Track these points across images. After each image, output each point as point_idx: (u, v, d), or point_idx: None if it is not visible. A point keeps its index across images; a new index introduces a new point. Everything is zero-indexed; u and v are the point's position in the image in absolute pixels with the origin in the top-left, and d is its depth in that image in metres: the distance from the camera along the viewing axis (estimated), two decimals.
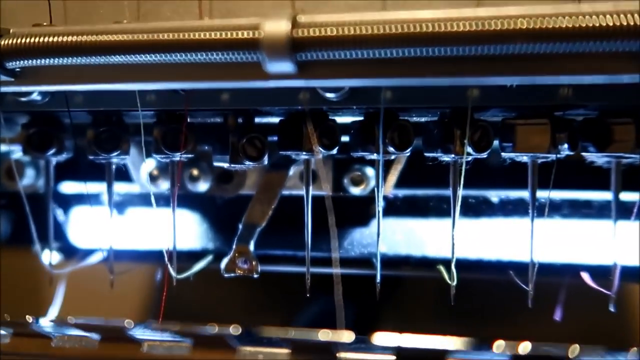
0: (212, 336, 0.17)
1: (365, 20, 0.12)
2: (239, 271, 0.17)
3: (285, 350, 0.16)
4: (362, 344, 0.17)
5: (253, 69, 0.12)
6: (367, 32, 0.11)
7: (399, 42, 0.11)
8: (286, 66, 0.12)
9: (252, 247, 0.18)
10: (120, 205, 0.22)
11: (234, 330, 0.18)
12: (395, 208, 0.21)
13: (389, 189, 0.20)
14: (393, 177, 0.19)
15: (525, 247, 0.17)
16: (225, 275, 0.18)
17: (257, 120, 0.17)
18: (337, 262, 0.16)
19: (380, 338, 0.18)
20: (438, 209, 0.21)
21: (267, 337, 0.17)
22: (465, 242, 0.21)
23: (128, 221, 0.22)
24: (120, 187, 0.22)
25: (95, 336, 0.16)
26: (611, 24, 0.10)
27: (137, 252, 0.21)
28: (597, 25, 0.11)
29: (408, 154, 0.18)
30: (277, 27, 0.11)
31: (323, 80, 0.13)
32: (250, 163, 0.16)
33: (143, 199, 0.22)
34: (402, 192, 0.21)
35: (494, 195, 0.21)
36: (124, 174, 0.21)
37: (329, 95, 0.14)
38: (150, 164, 0.20)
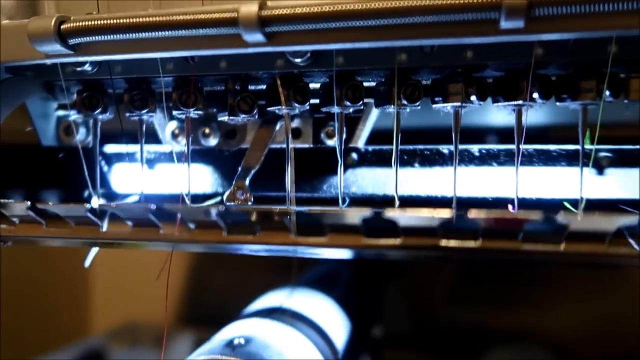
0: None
1: (313, 3, 0.17)
2: (237, 201, 0.23)
3: None
4: None
5: (237, 39, 0.18)
6: (314, 10, 0.17)
7: (337, 17, 0.17)
8: (258, 37, 0.17)
9: (247, 183, 0.23)
10: (151, 161, 0.28)
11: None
12: (366, 159, 0.26)
13: (358, 140, 0.25)
14: (360, 131, 0.24)
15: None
16: (226, 203, 0.23)
17: (251, 87, 0.23)
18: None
19: None
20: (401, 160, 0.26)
21: None
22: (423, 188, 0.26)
23: (157, 173, 0.28)
24: (150, 147, 0.28)
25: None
26: None
27: (163, 196, 0.27)
28: None
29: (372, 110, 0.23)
30: (249, 9, 0.17)
31: (286, 47, 0.18)
32: (244, 116, 0.22)
33: (169, 157, 0.28)
34: (372, 147, 0.26)
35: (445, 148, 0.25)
36: (154, 137, 0.27)
37: (297, 60, 0.20)
38: (172, 125, 0.26)
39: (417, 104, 0.20)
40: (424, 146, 0.25)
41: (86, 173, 0.24)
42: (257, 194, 0.24)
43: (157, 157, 0.28)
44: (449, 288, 0.85)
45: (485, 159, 0.25)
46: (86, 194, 0.25)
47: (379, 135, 0.26)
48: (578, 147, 0.22)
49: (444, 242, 0.17)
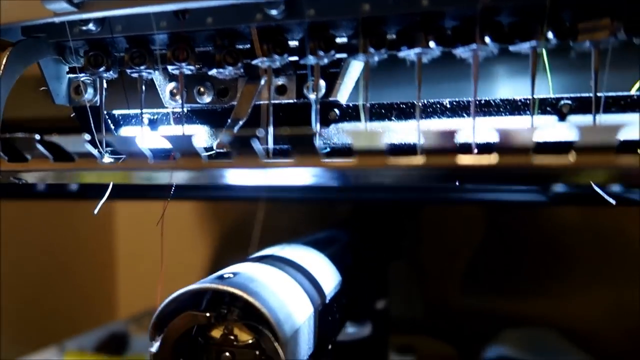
0: None
1: None
2: (226, 147, 0.25)
3: None
4: None
5: None
6: None
7: None
8: None
9: (236, 131, 0.25)
10: (154, 122, 0.31)
11: None
12: (348, 114, 0.28)
13: (337, 94, 0.27)
14: (339, 85, 0.26)
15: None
16: (217, 149, 0.25)
17: (240, 47, 0.25)
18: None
19: None
20: (378, 114, 0.28)
21: None
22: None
23: (159, 133, 0.30)
24: (153, 110, 0.30)
25: None
26: None
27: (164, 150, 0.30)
28: None
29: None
30: None
31: None
32: (231, 68, 0.24)
33: (170, 118, 0.31)
34: (353, 103, 0.28)
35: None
36: (158, 103, 0.30)
37: (273, 12, 0.22)
38: (171, 85, 0.29)
39: (383, 51, 0.22)
40: (400, 100, 0.27)
41: (93, 130, 0.27)
42: None
43: (159, 119, 0.31)
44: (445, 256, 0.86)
45: (456, 110, 0.26)
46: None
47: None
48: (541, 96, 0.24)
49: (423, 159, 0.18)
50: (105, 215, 1.01)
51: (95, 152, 0.20)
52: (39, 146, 0.20)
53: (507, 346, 0.78)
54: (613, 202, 0.22)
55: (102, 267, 1.03)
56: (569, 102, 0.25)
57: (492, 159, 0.17)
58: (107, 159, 0.22)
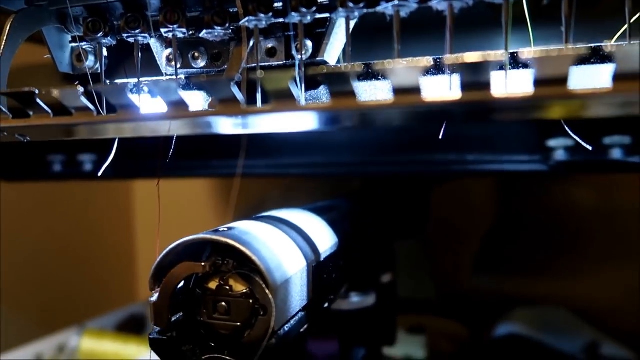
0: None
1: None
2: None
3: None
4: None
5: None
6: None
7: None
8: None
9: None
10: (153, 92, 0.32)
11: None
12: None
13: (324, 54, 0.28)
14: (325, 45, 0.27)
15: None
16: (208, 108, 0.27)
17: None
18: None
19: None
20: (365, 74, 0.28)
21: None
22: None
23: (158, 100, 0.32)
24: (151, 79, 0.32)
25: None
26: None
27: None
28: None
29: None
30: None
31: None
32: (219, 29, 0.25)
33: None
34: (341, 64, 0.29)
35: None
36: (157, 71, 0.31)
37: None
38: (167, 52, 0.30)
39: (362, 5, 0.23)
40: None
41: (94, 95, 0.28)
42: None
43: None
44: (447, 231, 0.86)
45: (439, 67, 0.27)
46: None
47: None
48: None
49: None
50: (124, 198, 1.03)
51: (91, 106, 0.22)
52: (39, 100, 0.22)
53: (518, 324, 0.78)
54: (589, 147, 0.23)
55: (122, 250, 1.05)
56: None
57: (454, 95, 0.18)
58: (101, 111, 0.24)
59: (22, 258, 0.82)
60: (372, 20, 0.25)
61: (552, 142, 0.47)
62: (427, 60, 0.17)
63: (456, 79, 0.20)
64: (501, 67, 0.19)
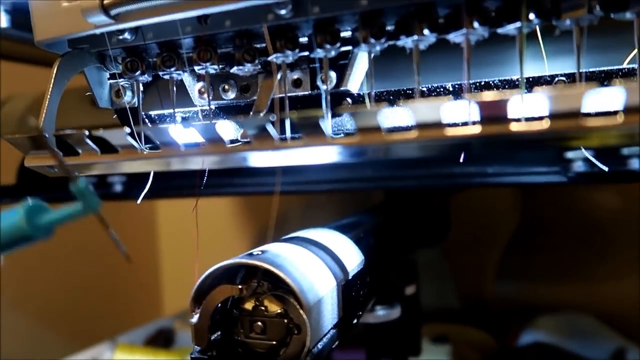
0: None
1: None
2: (247, 138, 0.28)
3: None
4: None
5: None
6: None
7: None
8: None
9: None
10: (185, 119, 0.34)
11: None
12: (360, 102, 0.30)
13: (348, 83, 0.29)
14: (348, 75, 0.29)
15: None
16: (240, 139, 0.28)
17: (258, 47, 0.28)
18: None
19: None
20: (386, 100, 0.30)
21: None
22: None
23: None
24: (185, 109, 0.33)
25: None
26: None
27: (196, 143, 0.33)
28: None
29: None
30: None
31: None
32: (249, 65, 0.27)
33: (200, 116, 0.34)
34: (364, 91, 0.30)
35: None
36: (188, 102, 0.33)
37: (282, 12, 0.25)
38: (199, 85, 0.32)
39: (383, 41, 0.25)
40: (406, 86, 0.29)
41: (133, 129, 0.30)
42: None
43: (190, 117, 0.34)
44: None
45: (458, 92, 0.28)
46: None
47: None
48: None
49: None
50: (148, 217, 1.06)
51: (135, 143, 0.24)
52: (88, 140, 0.24)
53: (543, 332, 0.78)
54: (605, 168, 0.24)
55: (147, 266, 1.08)
56: (563, 78, 0.27)
57: (474, 129, 0.19)
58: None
59: (53, 274, 0.85)
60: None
61: (570, 154, 0.47)
62: (448, 99, 0.18)
63: (475, 108, 0.21)
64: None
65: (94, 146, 0.24)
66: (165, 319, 0.99)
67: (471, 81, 0.26)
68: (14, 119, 0.70)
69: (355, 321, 0.34)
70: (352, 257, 0.34)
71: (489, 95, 0.18)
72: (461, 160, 0.25)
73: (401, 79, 0.38)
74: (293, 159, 0.24)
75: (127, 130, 0.22)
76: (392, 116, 0.27)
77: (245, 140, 0.29)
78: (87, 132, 0.23)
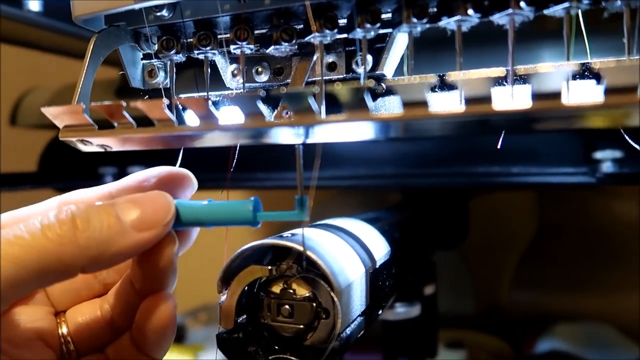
0: None
1: None
2: (282, 119, 0.28)
3: None
4: None
5: None
6: None
7: None
8: None
9: None
10: (217, 104, 0.34)
11: None
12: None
13: (384, 67, 0.29)
14: (385, 59, 0.29)
15: None
16: (274, 119, 0.28)
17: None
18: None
19: None
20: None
21: None
22: None
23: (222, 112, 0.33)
24: (217, 93, 0.33)
25: None
26: None
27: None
28: None
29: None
30: None
31: None
32: (286, 44, 0.27)
33: (232, 100, 0.33)
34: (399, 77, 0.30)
35: None
36: (221, 86, 0.33)
37: None
38: (232, 67, 0.32)
39: (425, 21, 0.24)
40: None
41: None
42: None
43: (221, 101, 0.34)
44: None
45: (497, 79, 0.28)
46: None
47: None
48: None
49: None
50: None
51: (173, 117, 0.23)
52: (125, 112, 0.24)
53: (561, 340, 0.77)
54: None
55: None
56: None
57: (525, 104, 0.19)
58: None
59: None
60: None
61: (599, 154, 0.47)
62: (501, 71, 0.18)
63: (524, 88, 0.21)
64: (574, 76, 0.20)
65: (130, 118, 0.24)
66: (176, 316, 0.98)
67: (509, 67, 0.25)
68: (36, 108, 0.70)
69: (380, 312, 0.34)
70: (380, 247, 0.34)
71: (544, 68, 0.17)
72: (499, 146, 0.25)
73: (432, 63, 0.37)
74: (333, 136, 0.23)
75: (166, 100, 0.22)
76: (435, 98, 0.27)
77: (279, 120, 0.28)
78: (124, 103, 0.23)
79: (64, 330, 0.26)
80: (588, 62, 0.26)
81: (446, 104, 0.21)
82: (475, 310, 0.87)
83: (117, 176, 0.65)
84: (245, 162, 0.49)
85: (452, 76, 0.19)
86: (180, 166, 0.30)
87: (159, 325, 0.25)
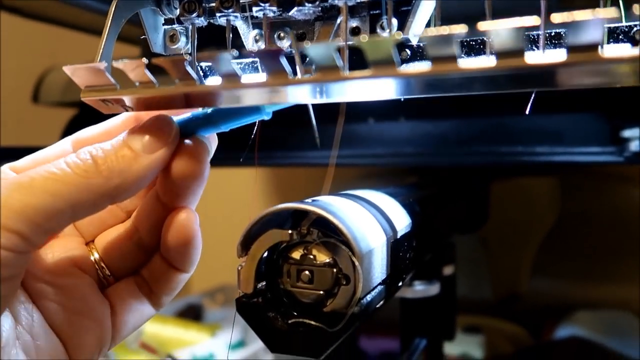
0: None
1: None
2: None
3: None
4: None
5: None
6: None
7: None
8: None
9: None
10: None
11: None
12: (418, 54, 0.29)
13: (409, 32, 0.28)
14: (410, 22, 0.28)
15: None
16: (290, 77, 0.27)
17: None
18: None
19: None
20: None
21: None
22: None
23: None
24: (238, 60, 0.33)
25: None
26: None
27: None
28: None
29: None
30: None
31: None
32: (309, 5, 0.26)
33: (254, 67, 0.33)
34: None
35: None
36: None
37: None
38: (254, 33, 0.31)
39: None
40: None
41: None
42: None
43: (242, 68, 0.33)
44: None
45: (527, 43, 0.27)
46: None
47: None
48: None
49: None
50: None
51: (195, 75, 0.23)
52: (146, 70, 0.23)
53: (581, 326, 0.76)
54: None
55: None
56: None
57: (560, 56, 0.18)
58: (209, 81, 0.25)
59: None
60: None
61: (627, 133, 0.46)
62: (535, 19, 0.17)
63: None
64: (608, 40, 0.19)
65: (152, 77, 0.24)
66: (193, 296, 0.99)
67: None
68: (58, 86, 0.71)
69: (400, 283, 0.34)
70: (401, 218, 0.33)
71: (581, 15, 0.16)
72: (527, 111, 0.24)
73: None
74: (357, 94, 0.23)
75: (187, 57, 0.22)
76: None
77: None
78: (146, 61, 0.23)
79: (95, 256, 0.28)
80: (623, 25, 0.25)
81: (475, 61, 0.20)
82: (493, 296, 0.86)
83: None
84: (262, 140, 0.48)
85: (483, 26, 0.18)
86: None
87: (181, 235, 0.26)
